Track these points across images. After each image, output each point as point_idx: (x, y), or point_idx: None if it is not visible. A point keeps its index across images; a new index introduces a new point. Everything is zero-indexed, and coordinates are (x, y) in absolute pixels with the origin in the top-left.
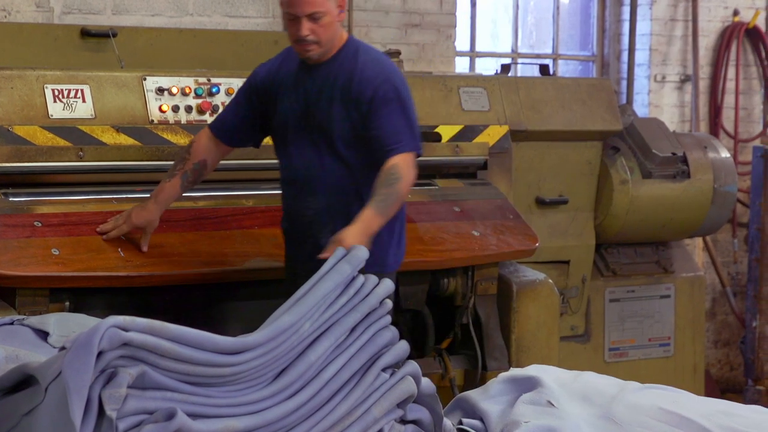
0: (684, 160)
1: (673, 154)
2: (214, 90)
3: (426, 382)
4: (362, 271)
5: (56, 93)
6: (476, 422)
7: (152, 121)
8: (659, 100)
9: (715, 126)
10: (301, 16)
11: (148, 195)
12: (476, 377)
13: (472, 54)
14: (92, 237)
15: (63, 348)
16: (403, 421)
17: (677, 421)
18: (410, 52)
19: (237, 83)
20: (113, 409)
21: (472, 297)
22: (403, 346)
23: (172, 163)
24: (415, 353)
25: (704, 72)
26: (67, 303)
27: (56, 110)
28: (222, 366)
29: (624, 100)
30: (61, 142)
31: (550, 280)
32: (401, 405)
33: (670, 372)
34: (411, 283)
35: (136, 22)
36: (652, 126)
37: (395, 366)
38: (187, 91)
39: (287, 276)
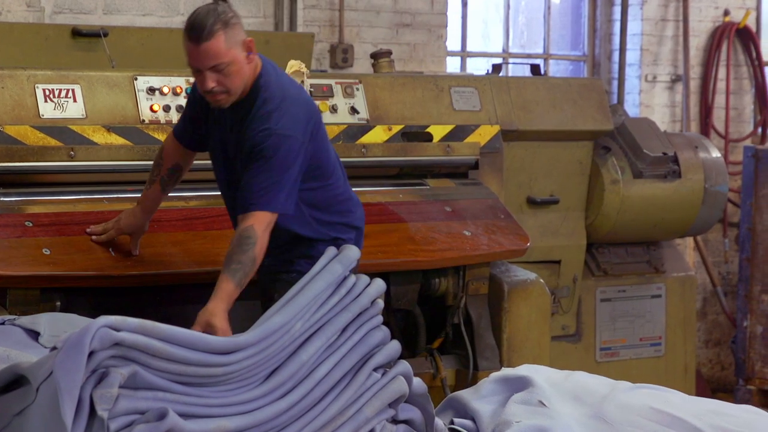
0: (675, 160)
1: (664, 154)
2: None
3: (417, 382)
4: None
5: (47, 93)
6: (468, 422)
7: (143, 120)
8: (650, 100)
9: (705, 126)
10: (203, 70)
11: (140, 194)
12: (468, 377)
13: (463, 54)
14: (83, 237)
15: (54, 348)
16: (394, 420)
17: (668, 421)
18: (401, 51)
19: None
20: (104, 409)
21: (464, 297)
22: (395, 346)
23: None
24: (407, 353)
25: (695, 72)
26: (58, 303)
27: (47, 110)
28: (214, 366)
29: (615, 100)
30: (52, 142)
31: (542, 280)
32: (393, 405)
33: (661, 371)
34: (402, 282)
35: (127, 22)
36: (643, 126)
37: (387, 366)
38: (178, 90)
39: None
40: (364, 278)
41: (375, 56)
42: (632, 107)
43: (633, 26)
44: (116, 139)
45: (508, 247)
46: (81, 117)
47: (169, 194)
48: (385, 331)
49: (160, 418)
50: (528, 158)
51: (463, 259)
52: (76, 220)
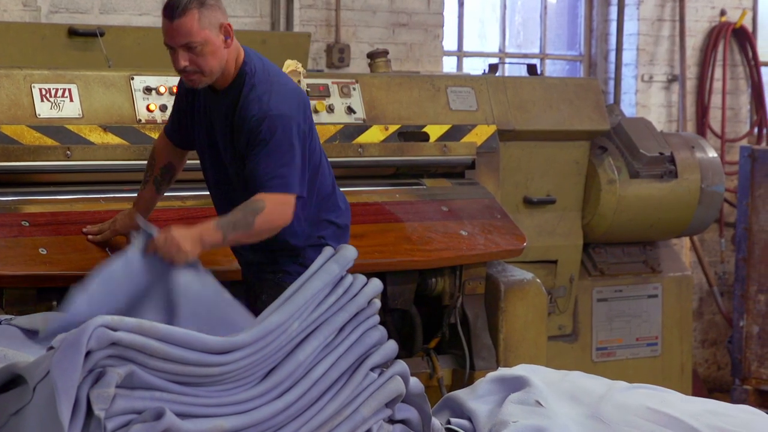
0: (671, 160)
1: (661, 153)
2: None
3: (414, 382)
4: None
5: (44, 92)
6: (464, 422)
7: (140, 120)
8: (646, 100)
9: (702, 126)
10: (176, 47)
11: (136, 194)
12: (464, 377)
13: (460, 54)
14: (80, 236)
15: (51, 347)
16: (391, 420)
17: (665, 421)
18: (398, 51)
19: None
20: (101, 408)
21: (460, 296)
22: (392, 346)
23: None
24: (403, 353)
25: (691, 72)
26: (55, 302)
27: (43, 109)
28: (211, 365)
29: (611, 100)
30: (49, 142)
31: (538, 280)
32: (390, 405)
33: (657, 371)
34: (399, 282)
35: (123, 22)
36: (639, 126)
37: (384, 366)
38: (175, 90)
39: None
40: (361, 278)
41: (371, 56)
42: (629, 107)
43: (629, 26)
44: (113, 139)
45: (504, 247)
46: (77, 116)
47: (166, 194)
48: (382, 330)
49: (157, 417)
50: (525, 158)
51: (460, 258)
52: (72, 220)
